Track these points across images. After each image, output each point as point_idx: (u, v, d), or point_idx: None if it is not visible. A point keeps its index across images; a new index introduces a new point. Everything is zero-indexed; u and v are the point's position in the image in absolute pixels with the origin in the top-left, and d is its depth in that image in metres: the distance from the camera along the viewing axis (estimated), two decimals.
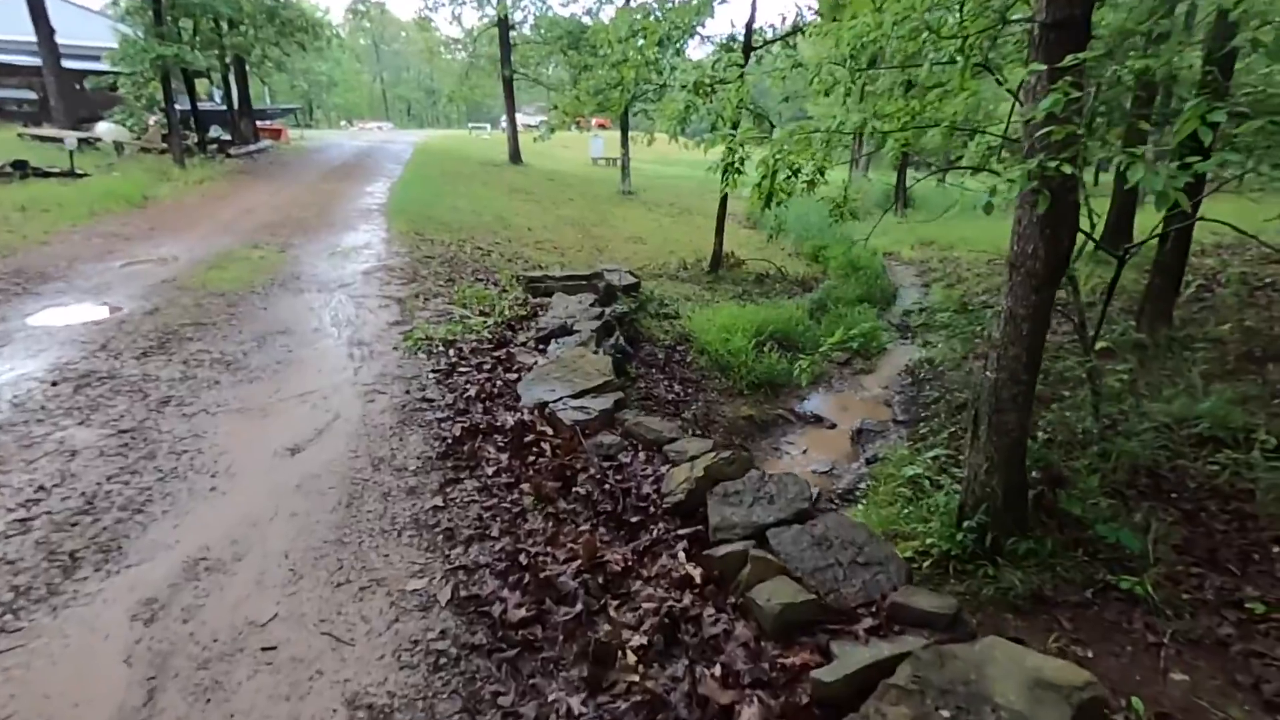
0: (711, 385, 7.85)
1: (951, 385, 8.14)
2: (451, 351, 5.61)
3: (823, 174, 5.06)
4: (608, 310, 7.13)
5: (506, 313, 6.91)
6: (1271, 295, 9.09)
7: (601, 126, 37.25)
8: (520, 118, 30.09)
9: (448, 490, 3.58)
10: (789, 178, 5.12)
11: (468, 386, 4.85)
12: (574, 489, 3.60)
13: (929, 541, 4.32)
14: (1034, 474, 4.41)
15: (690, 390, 7.52)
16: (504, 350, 5.60)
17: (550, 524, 3.30)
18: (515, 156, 24.81)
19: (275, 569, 2.99)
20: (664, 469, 3.78)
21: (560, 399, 4.44)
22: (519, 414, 4.37)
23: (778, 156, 4.56)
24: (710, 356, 8.29)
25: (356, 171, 19.93)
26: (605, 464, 3.83)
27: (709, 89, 8.22)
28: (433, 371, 5.22)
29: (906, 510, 5.04)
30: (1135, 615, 3.58)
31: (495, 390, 4.74)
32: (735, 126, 7.40)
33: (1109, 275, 12.60)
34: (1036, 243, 3.74)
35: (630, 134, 21.78)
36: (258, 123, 26.62)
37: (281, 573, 2.97)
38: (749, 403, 7.66)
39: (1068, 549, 4.02)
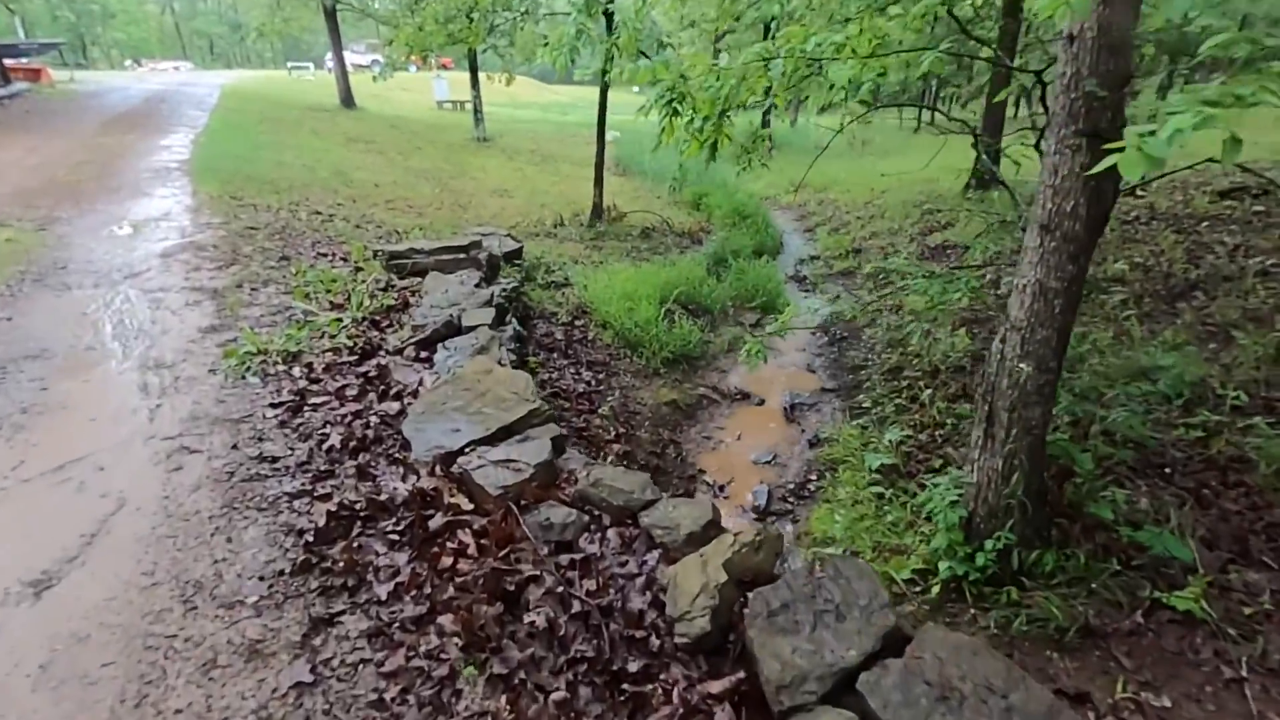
0: (622, 367, 6.79)
1: (872, 343, 7.64)
2: (297, 371, 4.11)
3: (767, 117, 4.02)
4: (496, 290, 5.80)
5: (367, 303, 5.35)
6: (1144, 229, 9.33)
7: (444, 67, 33.94)
8: (349, 56, 26.49)
9: (316, 644, 2.27)
10: (722, 118, 4.04)
11: (327, 430, 3.44)
12: (525, 616, 2.42)
13: (938, 563, 3.60)
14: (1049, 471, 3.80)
15: (600, 375, 6.42)
16: (373, 363, 4.18)
17: (500, 698, 2.10)
18: (347, 100, 21.70)
19: None
20: (653, 560, 2.69)
21: (471, 447, 3.17)
22: (413, 476, 3.05)
23: (726, 91, 3.46)
24: (615, 330, 7.20)
25: (148, 120, 16.34)
26: (563, 562, 2.63)
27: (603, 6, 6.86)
28: (271, 407, 3.72)
29: (885, 514, 4.33)
30: (1198, 641, 3.04)
31: (370, 434, 3.38)
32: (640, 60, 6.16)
33: (965, 214, 12.83)
34: (1078, 199, 2.95)
35: (481, 74, 19.58)
36: (6, 60, 21.29)
37: None
38: (667, 383, 6.70)
39: (1096, 558, 3.44)
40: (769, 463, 5.65)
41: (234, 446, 3.36)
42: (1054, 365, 3.25)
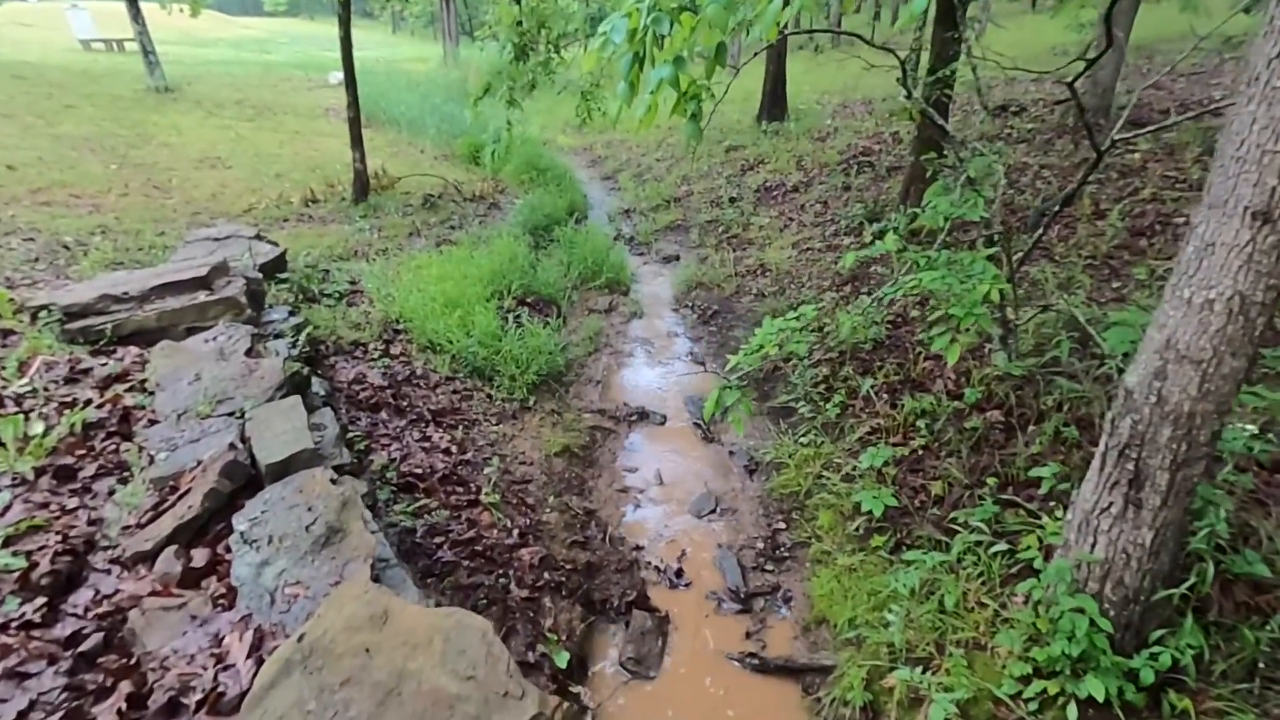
0: (478, 409, 4.96)
1: (744, 316, 6.62)
2: None
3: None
4: (281, 353, 3.60)
5: (40, 434, 2.85)
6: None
7: None
8: None
9: None
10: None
11: None
12: None
13: (1060, 671, 2.62)
14: None
15: (455, 430, 4.57)
16: (81, 606, 1.92)
17: None
18: None
19: None
20: None
21: None
22: None
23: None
24: (452, 355, 5.29)
25: None
26: None
27: None
28: None
29: (923, 586, 3.28)
30: None
31: None
32: None
33: (771, 146, 12.42)
34: None
35: (145, 2, 14.62)
36: None
37: None
38: (544, 420, 5.03)
39: (1255, 627, 2.67)
40: (713, 514, 4.36)
41: None
42: (1228, 406, 2.32)
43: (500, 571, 3.48)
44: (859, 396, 4.75)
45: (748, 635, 3.54)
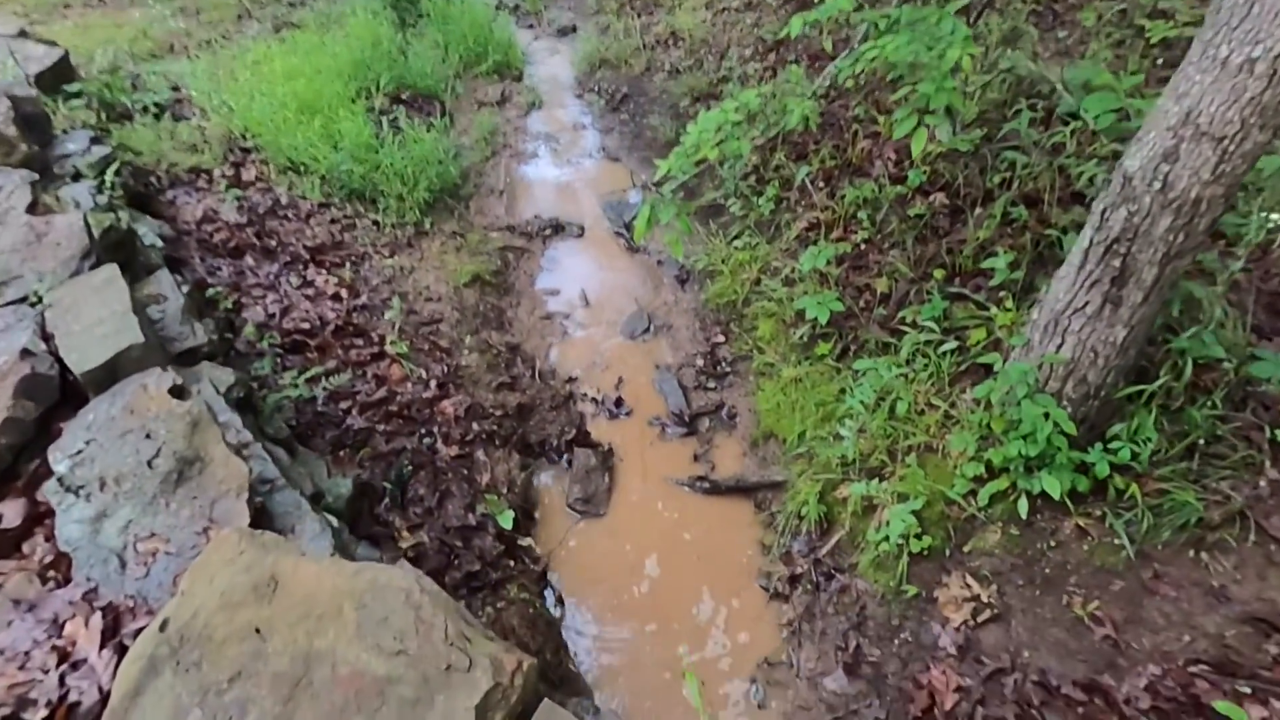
0: (364, 240, 4.25)
1: (658, 100, 5.83)
2: None
3: None
4: (84, 199, 2.72)
5: None
6: None
7: None
8: None
9: None
10: None
11: None
12: None
13: (1012, 467, 2.61)
14: None
15: (340, 266, 3.92)
16: None
17: None
18: None
19: None
20: None
21: None
22: None
23: None
24: (322, 177, 4.41)
25: None
26: None
27: None
28: None
29: (870, 395, 3.15)
30: None
31: None
32: None
33: None
34: None
35: None
36: None
37: None
38: (444, 244, 4.40)
39: (1200, 407, 2.65)
40: (647, 333, 4.06)
41: None
42: (1237, 190, 2.03)
43: (423, 430, 3.13)
44: (794, 188, 4.31)
45: (695, 458, 3.43)
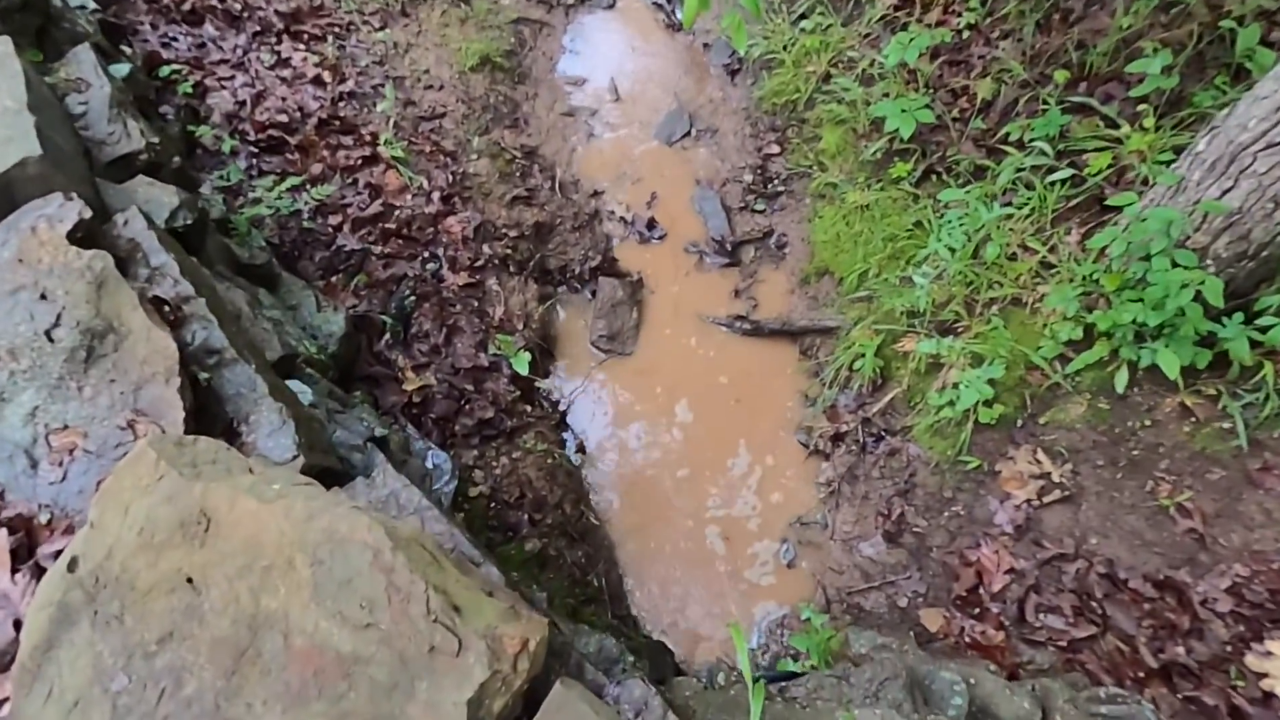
0: (348, 7, 3.49)
1: None
2: None
3: None
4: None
5: None
6: None
7: None
8: None
9: None
10: None
11: None
12: None
13: (1116, 333, 2.19)
14: None
15: (323, 39, 3.24)
16: None
17: None
18: None
19: None
20: None
21: None
22: None
23: None
24: None
25: None
26: None
27: None
28: None
29: (957, 234, 2.63)
30: None
31: None
32: None
33: None
34: None
35: None
36: None
37: None
38: (449, 16, 3.61)
39: None
40: (688, 137, 3.43)
41: None
42: None
43: (426, 254, 2.72)
44: None
45: (736, 293, 3.03)
